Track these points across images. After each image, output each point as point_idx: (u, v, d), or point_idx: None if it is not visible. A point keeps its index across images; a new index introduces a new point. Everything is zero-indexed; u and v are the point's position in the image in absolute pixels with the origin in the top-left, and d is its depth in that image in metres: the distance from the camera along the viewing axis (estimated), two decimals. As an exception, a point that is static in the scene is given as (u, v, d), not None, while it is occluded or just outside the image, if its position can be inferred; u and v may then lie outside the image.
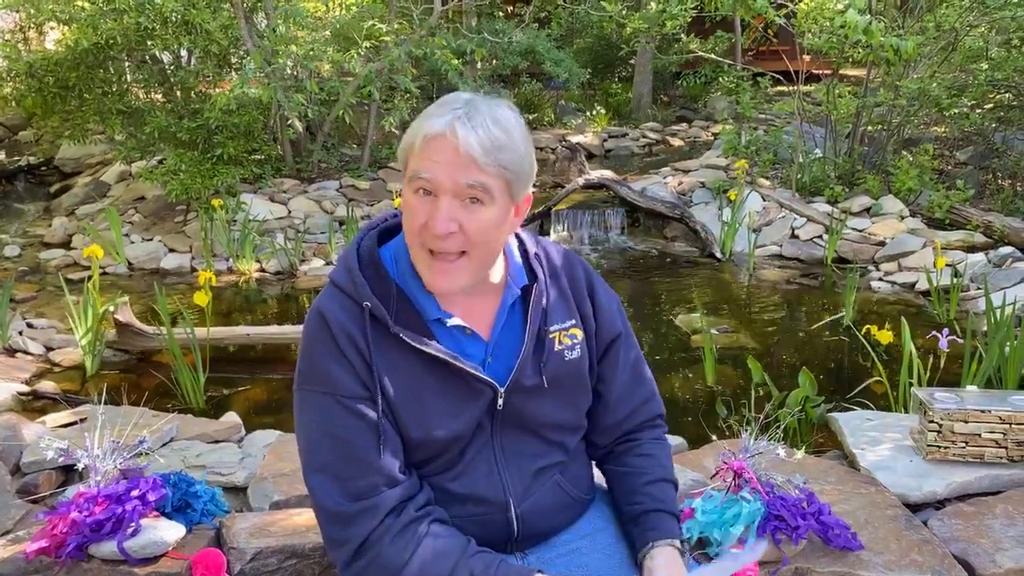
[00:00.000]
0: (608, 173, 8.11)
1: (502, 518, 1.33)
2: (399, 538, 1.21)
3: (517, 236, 1.38)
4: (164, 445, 2.60)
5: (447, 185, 1.16)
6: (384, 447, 1.23)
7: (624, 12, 8.84)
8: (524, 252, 1.37)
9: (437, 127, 1.16)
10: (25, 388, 3.76)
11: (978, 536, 1.91)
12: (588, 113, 12.78)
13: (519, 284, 1.33)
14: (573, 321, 1.37)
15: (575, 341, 1.36)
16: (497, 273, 1.32)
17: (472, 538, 1.28)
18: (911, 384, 3.02)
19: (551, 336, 1.33)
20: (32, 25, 7.97)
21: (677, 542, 1.38)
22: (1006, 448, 2.17)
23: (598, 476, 1.54)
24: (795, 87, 7.72)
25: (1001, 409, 2.16)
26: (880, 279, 5.70)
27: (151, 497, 1.77)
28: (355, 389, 1.23)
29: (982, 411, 2.17)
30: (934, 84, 6.72)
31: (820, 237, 6.49)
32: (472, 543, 1.26)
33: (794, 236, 6.62)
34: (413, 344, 1.24)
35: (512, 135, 1.18)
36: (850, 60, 7.06)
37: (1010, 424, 2.15)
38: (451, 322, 1.28)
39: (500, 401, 1.29)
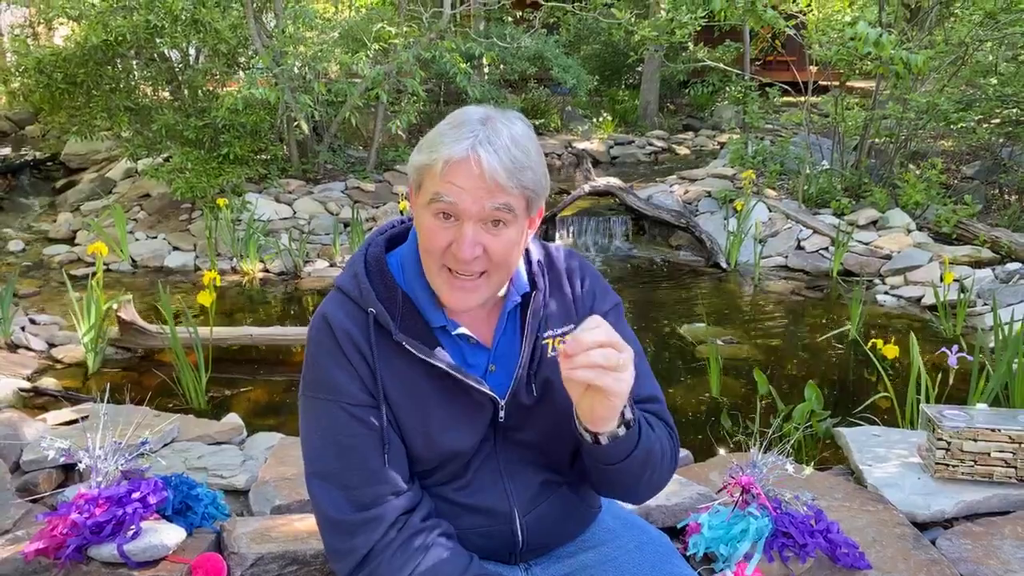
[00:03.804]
0: (614, 180, 8.10)
1: (507, 529, 1.32)
2: (401, 552, 1.19)
3: None
4: (165, 446, 2.58)
5: (473, 211, 1.14)
6: (389, 455, 1.22)
7: (633, 20, 8.84)
8: (528, 259, 1.35)
9: (459, 152, 1.13)
10: (27, 384, 3.75)
11: (987, 557, 1.89)
12: (594, 120, 12.79)
13: (520, 291, 1.31)
14: (572, 326, 1.34)
15: None
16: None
17: (475, 554, 1.26)
18: (919, 400, 3.00)
19: (544, 342, 1.31)
20: (42, 20, 8.00)
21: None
22: (1015, 468, 2.15)
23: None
24: (803, 98, 7.71)
25: (1011, 428, 2.14)
26: (886, 293, 5.68)
27: (152, 500, 1.75)
28: (360, 396, 1.22)
29: (992, 430, 2.14)
30: (942, 98, 6.70)
31: (826, 249, 6.47)
32: (475, 561, 1.24)
33: (800, 247, 6.60)
34: (417, 353, 1.23)
35: (530, 154, 1.16)
36: (858, 72, 7.05)
37: (1020, 444, 2.13)
38: (457, 331, 1.27)
39: (502, 414, 1.28)
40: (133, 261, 6.55)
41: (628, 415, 1.15)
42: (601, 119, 12.77)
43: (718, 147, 11.19)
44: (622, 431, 1.15)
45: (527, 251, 1.36)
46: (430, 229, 1.17)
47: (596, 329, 1.05)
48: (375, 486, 1.20)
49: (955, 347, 3.01)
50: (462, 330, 1.27)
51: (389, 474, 1.21)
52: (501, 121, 1.16)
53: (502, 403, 1.27)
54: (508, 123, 1.16)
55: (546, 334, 1.31)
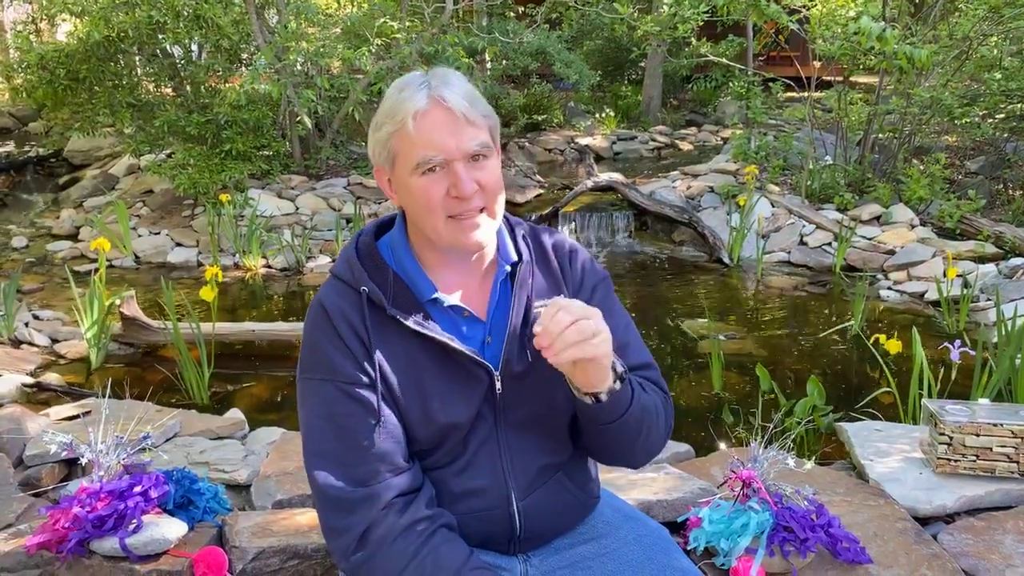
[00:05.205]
0: (617, 176, 8.09)
1: (504, 513, 1.32)
2: (403, 539, 1.19)
3: (505, 218, 1.38)
4: (167, 441, 2.59)
5: (457, 151, 1.20)
6: (386, 434, 1.23)
7: (636, 15, 8.82)
8: (512, 232, 1.38)
9: (421, 102, 1.19)
10: (30, 380, 3.76)
11: (988, 552, 1.88)
12: (597, 115, 12.76)
13: (508, 262, 1.34)
14: (561, 296, 1.35)
15: None
16: (490, 251, 1.33)
17: (474, 548, 1.26)
18: (921, 395, 2.99)
19: (536, 311, 1.32)
20: (44, 16, 8.01)
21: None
22: (1018, 463, 2.14)
23: (602, 480, 1.52)
24: (806, 93, 7.69)
25: (1013, 423, 2.13)
26: (889, 288, 5.67)
27: (154, 494, 1.76)
28: (355, 375, 1.24)
29: (994, 424, 2.14)
30: (946, 93, 6.67)
31: (829, 244, 6.45)
32: (474, 556, 1.24)
33: (803, 243, 6.59)
34: (410, 326, 1.25)
35: (473, 87, 1.26)
36: (861, 67, 7.03)
37: (1022, 439, 2.12)
38: (448, 301, 1.29)
39: (499, 385, 1.29)
40: (136, 257, 6.57)
41: (619, 368, 1.22)
42: (604, 115, 12.74)
43: (721, 142, 11.16)
44: (618, 385, 1.21)
45: (511, 224, 1.39)
46: (424, 188, 1.22)
47: (558, 312, 1.11)
48: (372, 463, 1.22)
49: (958, 342, 2.99)
50: (454, 301, 1.29)
51: (386, 452, 1.23)
52: (436, 70, 1.25)
53: (497, 373, 1.29)
54: (443, 69, 1.26)
55: (537, 304, 1.33)
